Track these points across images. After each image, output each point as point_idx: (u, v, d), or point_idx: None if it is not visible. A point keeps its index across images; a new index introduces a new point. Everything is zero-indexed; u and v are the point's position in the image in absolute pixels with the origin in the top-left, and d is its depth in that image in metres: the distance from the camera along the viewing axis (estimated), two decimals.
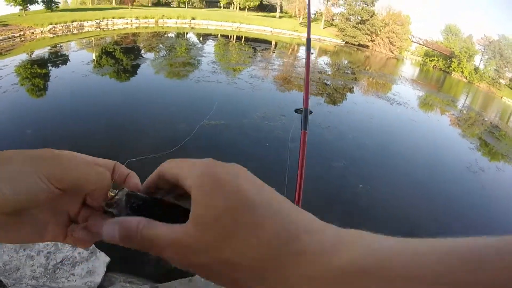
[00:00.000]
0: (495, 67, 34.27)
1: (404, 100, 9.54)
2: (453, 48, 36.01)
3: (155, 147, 4.05)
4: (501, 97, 26.76)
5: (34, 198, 0.22)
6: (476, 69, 32.97)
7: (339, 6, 40.49)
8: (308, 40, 1.53)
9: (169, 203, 0.26)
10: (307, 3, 1.74)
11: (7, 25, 16.78)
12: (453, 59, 33.88)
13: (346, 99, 9.10)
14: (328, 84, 10.27)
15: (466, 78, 31.94)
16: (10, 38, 14.73)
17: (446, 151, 5.81)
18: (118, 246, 0.25)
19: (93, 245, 1.96)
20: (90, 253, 2.09)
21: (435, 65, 35.88)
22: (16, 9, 23.95)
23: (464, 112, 10.88)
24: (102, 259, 2.11)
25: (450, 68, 33.46)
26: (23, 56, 10.50)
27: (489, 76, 31.41)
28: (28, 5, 23.82)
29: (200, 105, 6.03)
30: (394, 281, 0.16)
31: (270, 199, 0.22)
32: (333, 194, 3.46)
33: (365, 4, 36.27)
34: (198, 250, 0.21)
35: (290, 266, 0.19)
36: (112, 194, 0.27)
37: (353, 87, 10.52)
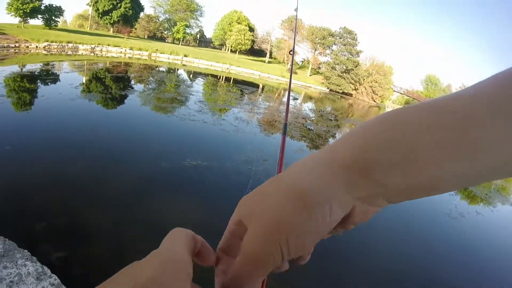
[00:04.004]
0: None
1: None
2: (433, 97, 38.17)
3: (134, 183, 4.03)
4: None
5: None
6: None
7: (326, 56, 42.98)
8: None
9: None
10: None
11: (4, 33, 16.90)
12: None
13: (328, 144, 9.05)
14: (311, 130, 10.57)
15: None
16: (5, 47, 14.79)
17: (425, 199, 6.16)
18: None
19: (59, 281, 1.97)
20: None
21: None
22: (16, 20, 24.39)
23: None
24: None
25: None
26: (15, 68, 10.50)
27: None
28: (28, 18, 24.31)
29: (185, 144, 6.13)
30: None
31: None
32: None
33: (351, 54, 38.65)
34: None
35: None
36: None
37: (335, 134, 10.83)
